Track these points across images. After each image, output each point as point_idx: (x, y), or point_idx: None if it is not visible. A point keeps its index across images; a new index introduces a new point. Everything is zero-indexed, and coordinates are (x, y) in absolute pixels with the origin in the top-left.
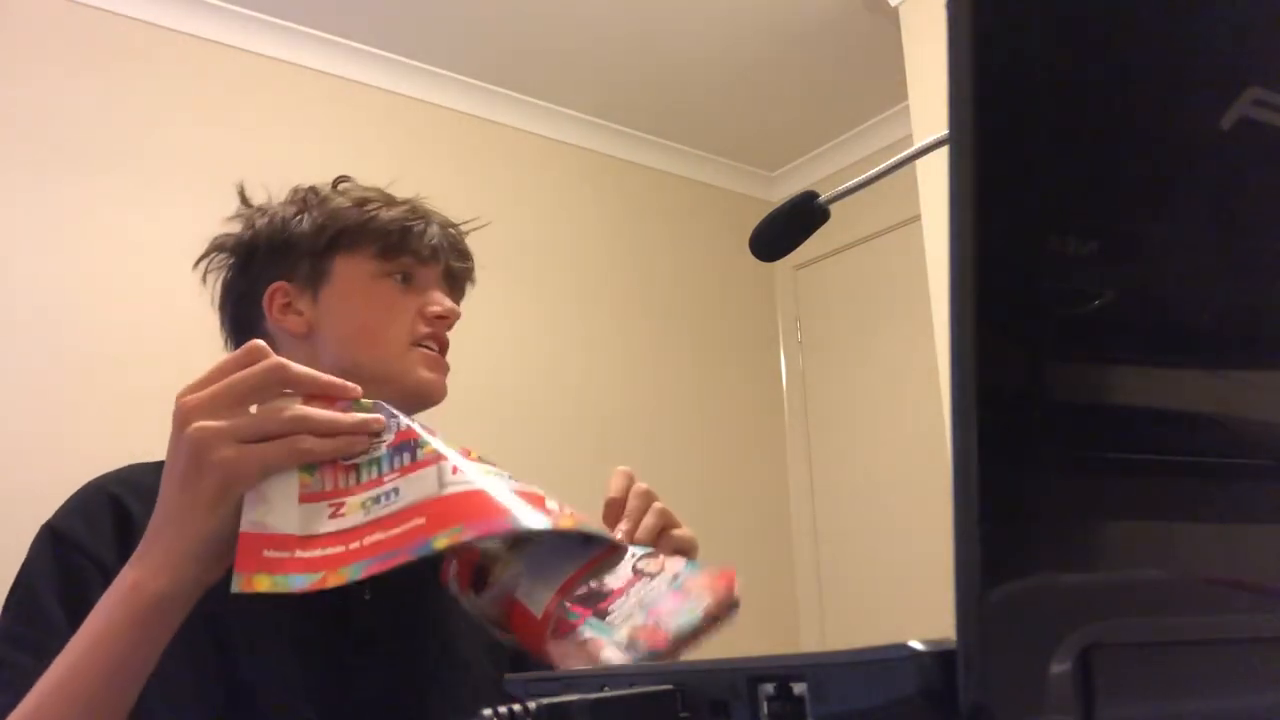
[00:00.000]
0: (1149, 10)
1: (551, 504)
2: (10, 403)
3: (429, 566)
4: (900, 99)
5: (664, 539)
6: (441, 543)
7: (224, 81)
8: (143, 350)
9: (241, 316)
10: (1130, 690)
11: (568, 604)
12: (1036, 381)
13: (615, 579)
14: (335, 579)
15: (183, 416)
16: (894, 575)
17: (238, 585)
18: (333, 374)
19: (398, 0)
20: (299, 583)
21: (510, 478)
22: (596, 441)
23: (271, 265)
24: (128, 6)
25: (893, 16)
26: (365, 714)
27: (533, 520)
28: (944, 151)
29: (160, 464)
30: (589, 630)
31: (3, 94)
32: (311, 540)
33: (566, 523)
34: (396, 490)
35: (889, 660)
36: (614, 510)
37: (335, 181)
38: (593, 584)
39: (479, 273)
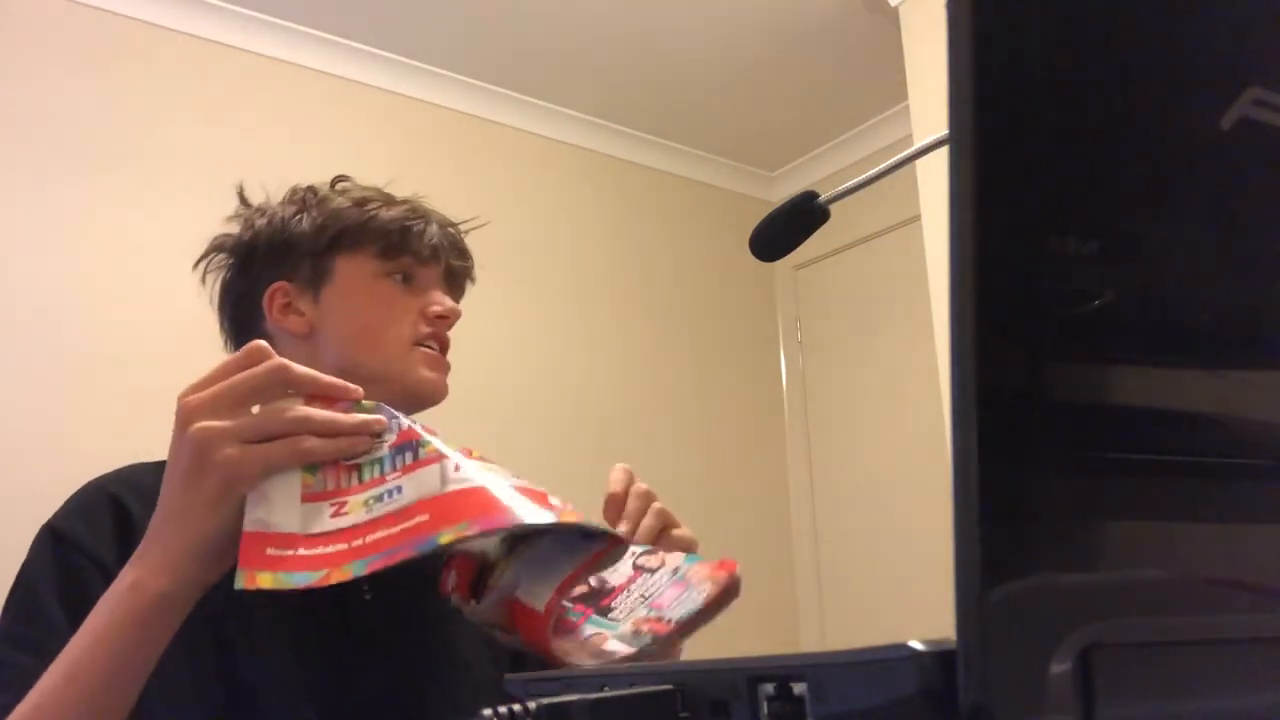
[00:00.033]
0: (1149, 10)
1: (555, 500)
2: (10, 403)
3: (429, 565)
4: (900, 99)
5: (664, 540)
6: (447, 538)
7: (224, 81)
8: (143, 350)
9: (241, 317)
10: (1130, 690)
11: (569, 603)
12: (1036, 381)
13: (616, 576)
14: (339, 575)
15: (185, 416)
16: (894, 575)
17: (241, 582)
18: (333, 374)
19: (398, 0)
20: (302, 580)
21: (513, 475)
22: (596, 441)
23: (271, 265)
24: (128, 6)
25: (893, 16)
26: (365, 714)
27: (537, 515)
28: (944, 151)
29: (160, 464)
30: (591, 627)
31: (3, 94)
32: (314, 538)
33: (570, 518)
34: (399, 488)
35: (889, 660)
36: (614, 506)
37: (334, 181)
38: (593, 582)
39: (479, 273)
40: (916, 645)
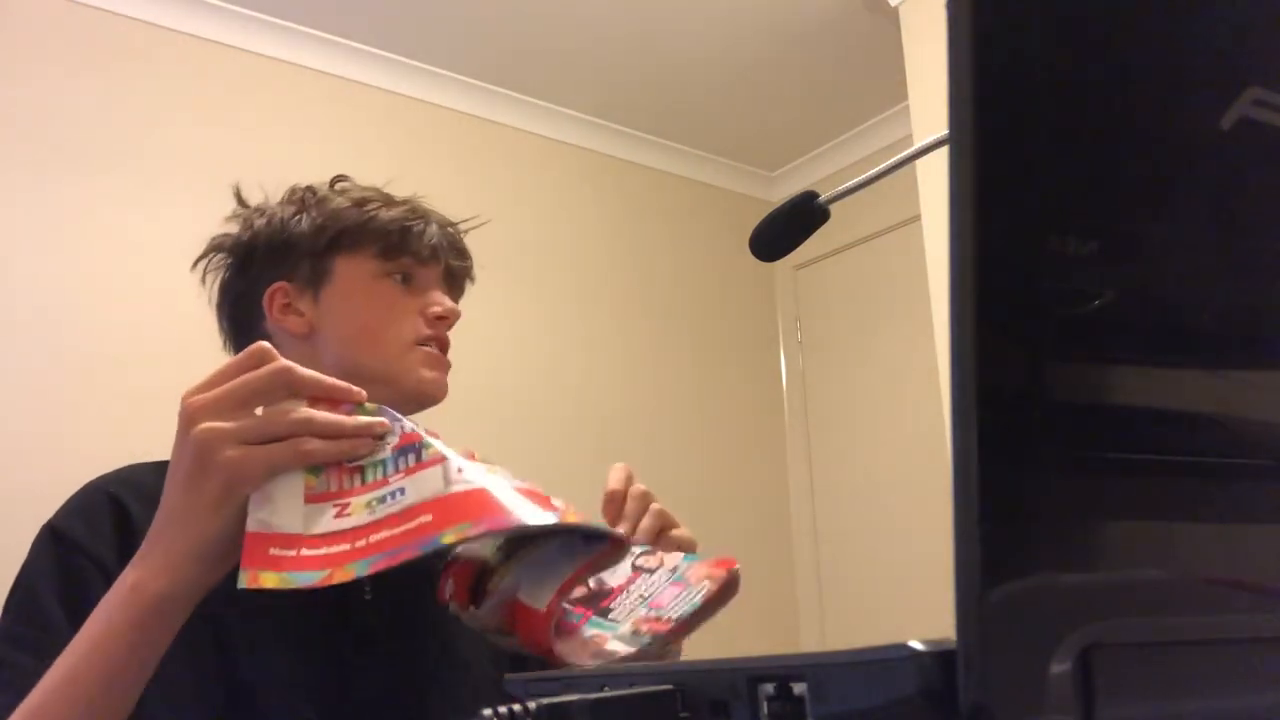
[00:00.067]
0: (1149, 10)
1: (557, 502)
2: (10, 403)
3: (429, 566)
4: (900, 99)
5: (663, 540)
6: (449, 538)
7: (224, 81)
8: (143, 350)
9: (240, 317)
10: (1130, 690)
11: (569, 605)
12: (1036, 381)
13: (615, 578)
14: (342, 575)
15: (188, 417)
16: (894, 575)
17: (244, 581)
18: (333, 374)
19: (398, 0)
20: (305, 579)
21: (515, 478)
22: (596, 441)
23: (271, 266)
24: (128, 6)
25: (893, 16)
26: (365, 713)
27: (539, 516)
28: (944, 151)
29: (160, 464)
30: (591, 628)
31: (3, 94)
32: (317, 538)
33: (572, 518)
34: (402, 490)
35: (889, 660)
36: (613, 505)
37: (333, 181)
38: (592, 584)
39: (479, 273)
40: (916, 645)
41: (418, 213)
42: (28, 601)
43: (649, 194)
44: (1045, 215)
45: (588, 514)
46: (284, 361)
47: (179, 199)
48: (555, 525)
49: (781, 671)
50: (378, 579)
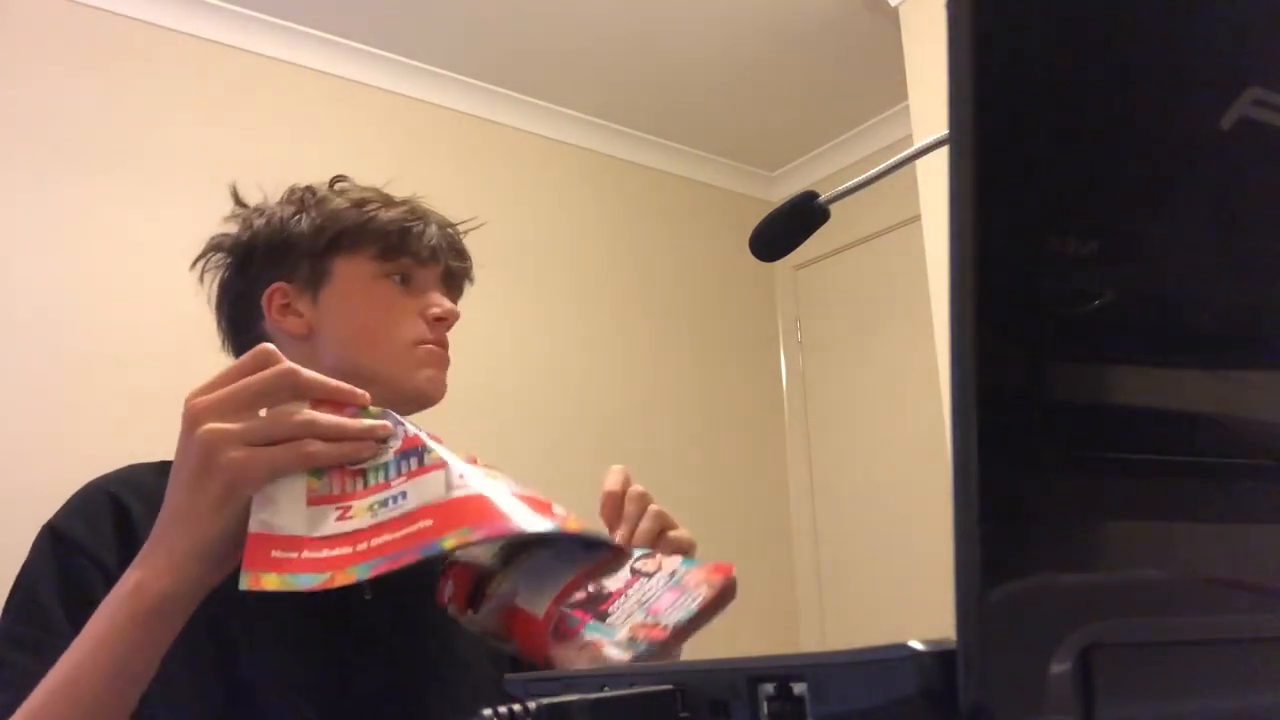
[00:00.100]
0: (1149, 10)
1: (558, 509)
2: (10, 403)
3: (430, 567)
4: (900, 99)
5: (661, 542)
6: (450, 543)
7: (224, 81)
8: (143, 350)
9: (239, 317)
10: (1130, 690)
11: (567, 609)
12: (1036, 381)
13: (614, 581)
14: (343, 579)
15: (192, 418)
16: (894, 575)
17: (245, 583)
18: (332, 375)
19: (398, 0)
20: (306, 582)
21: (517, 484)
22: (596, 441)
23: (270, 266)
24: (128, 6)
25: (893, 16)
26: (365, 713)
27: (539, 523)
28: (944, 151)
29: (160, 464)
30: (589, 633)
31: (3, 94)
32: (319, 541)
33: (573, 526)
34: (404, 494)
35: (889, 660)
36: (610, 506)
37: (332, 181)
38: (590, 587)
39: (479, 273)
40: (916, 645)
41: (417, 213)
42: (28, 601)
43: (649, 194)
44: (1045, 215)
45: (588, 519)
46: (288, 364)
47: (179, 199)
48: (555, 533)
49: (781, 671)
50: (378, 580)
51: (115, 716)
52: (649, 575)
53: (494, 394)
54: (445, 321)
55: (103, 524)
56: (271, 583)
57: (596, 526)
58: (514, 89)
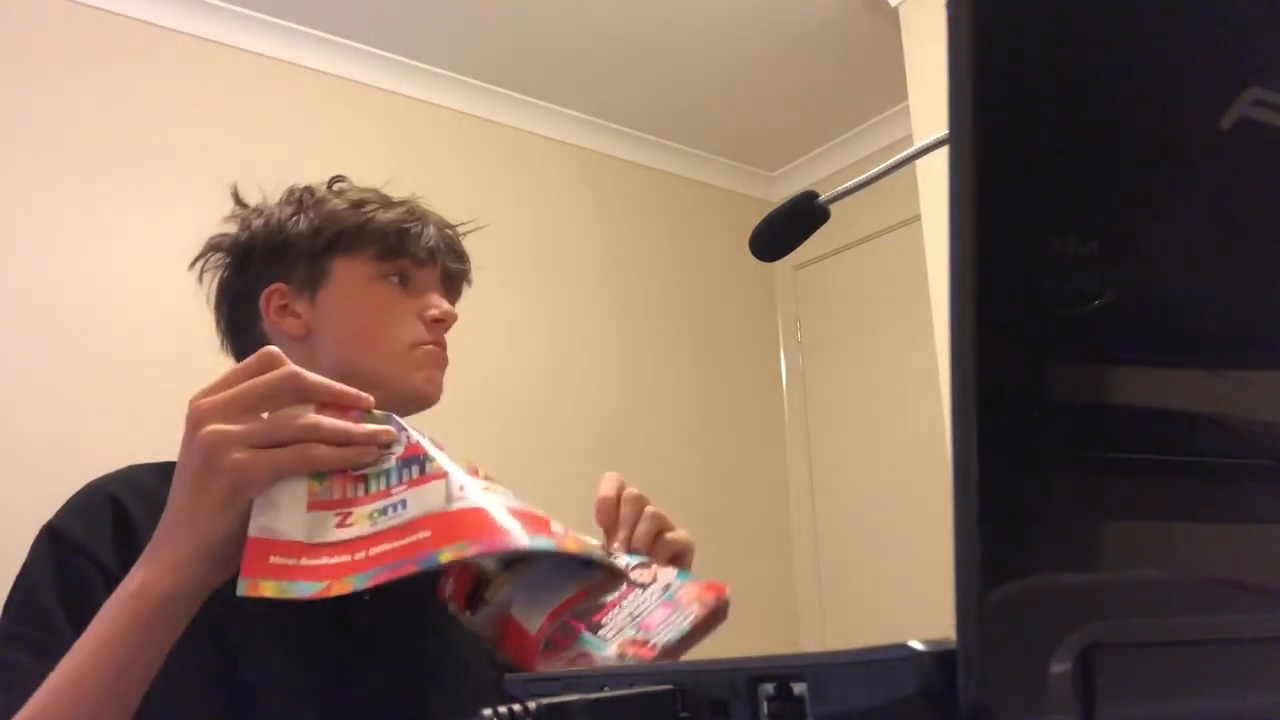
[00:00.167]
0: (1149, 10)
1: (556, 527)
2: (10, 403)
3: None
4: (900, 99)
5: (659, 544)
6: (447, 556)
7: (224, 81)
8: (143, 350)
9: (238, 317)
10: (1130, 690)
11: (562, 620)
12: (1036, 381)
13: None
14: (340, 588)
15: (196, 419)
16: (894, 575)
17: (243, 590)
18: (330, 376)
19: (398, 0)
20: (304, 590)
21: (515, 498)
22: (596, 441)
23: (268, 267)
24: (128, 6)
25: (893, 16)
26: (365, 714)
27: (537, 540)
28: (944, 151)
29: (161, 465)
30: (581, 645)
31: (3, 94)
32: (318, 548)
33: (571, 545)
34: (404, 502)
35: (889, 660)
36: (605, 511)
37: (331, 182)
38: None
39: (479, 273)
40: (916, 645)
41: (415, 214)
42: (28, 602)
43: (649, 194)
44: (1045, 215)
45: (589, 520)
46: (292, 366)
47: (179, 199)
48: (551, 552)
49: (781, 671)
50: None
51: (118, 717)
52: (644, 587)
53: (494, 394)
54: (443, 323)
55: (102, 525)
56: (269, 589)
57: (595, 538)
58: (514, 89)
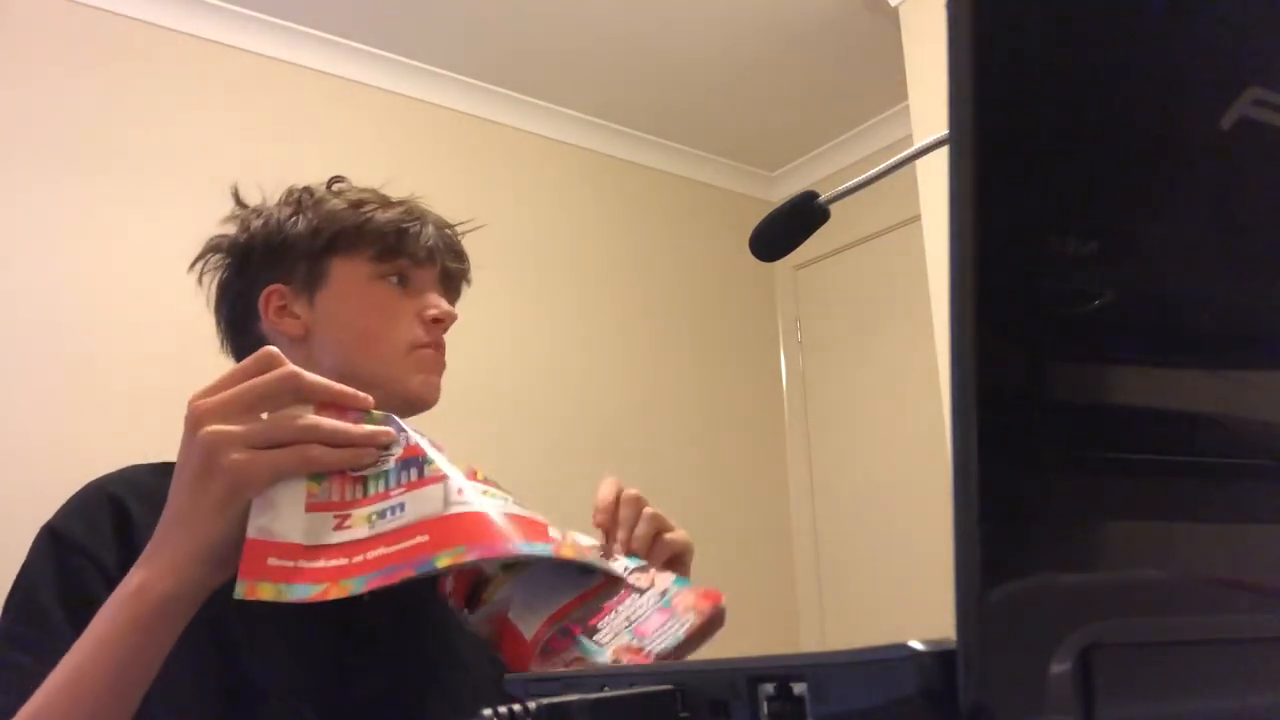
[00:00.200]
0: (1149, 10)
1: (554, 533)
2: (10, 403)
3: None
4: (900, 99)
5: (658, 544)
6: (444, 561)
7: (224, 81)
8: (143, 350)
9: (237, 318)
10: (1130, 690)
11: (559, 625)
12: (1036, 381)
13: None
14: (338, 591)
15: (195, 420)
16: (894, 575)
17: (241, 592)
18: (329, 377)
19: (398, 0)
20: (302, 593)
21: (514, 502)
22: (596, 441)
23: (267, 267)
24: (128, 6)
25: (893, 16)
26: (365, 714)
27: (534, 547)
28: (944, 151)
29: (160, 465)
30: (577, 650)
31: (3, 94)
32: (316, 551)
33: (568, 552)
34: (402, 505)
35: (889, 660)
36: (605, 512)
37: (330, 182)
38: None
39: (479, 273)
40: (916, 645)
41: (414, 214)
42: (27, 602)
43: (649, 194)
44: (1045, 215)
45: (587, 527)
46: (291, 367)
47: (179, 199)
48: (548, 558)
49: (781, 671)
50: None
51: (118, 717)
52: (641, 592)
53: (494, 394)
54: (442, 323)
55: (102, 524)
56: (266, 592)
57: (594, 541)
58: (514, 89)
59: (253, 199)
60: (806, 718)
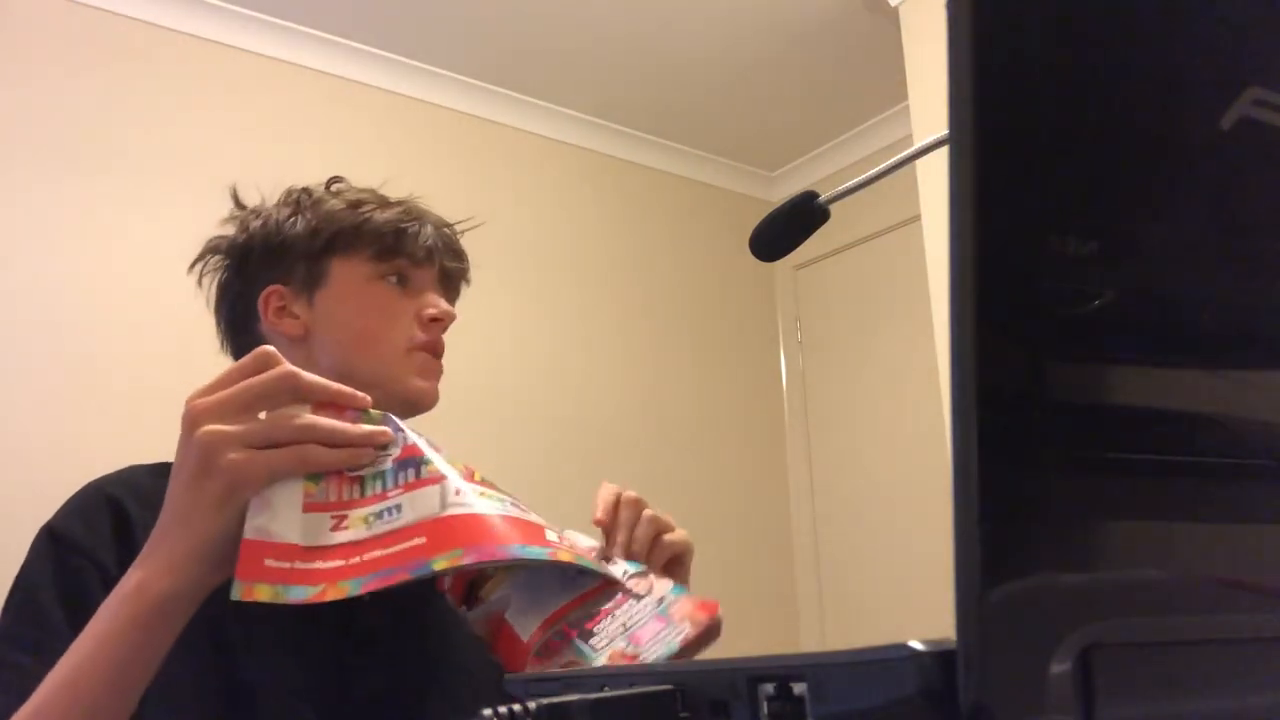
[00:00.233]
0: (1149, 10)
1: (551, 535)
2: (10, 403)
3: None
4: (900, 99)
5: (658, 545)
6: (441, 564)
7: (224, 81)
8: (143, 350)
9: (237, 319)
10: (1130, 690)
11: (555, 628)
12: (1036, 381)
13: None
14: (335, 593)
15: (192, 420)
16: (894, 575)
17: (238, 593)
18: (328, 377)
19: (398, 0)
20: (299, 594)
21: (512, 504)
22: (596, 441)
23: (266, 268)
24: (128, 6)
25: (893, 16)
26: (365, 714)
27: (531, 550)
28: (944, 151)
29: (159, 466)
30: (571, 653)
31: (3, 94)
32: (313, 552)
33: (564, 556)
34: (399, 507)
35: (889, 660)
36: (604, 513)
37: (328, 182)
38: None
39: (479, 273)
40: (916, 645)
41: (413, 214)
42: (27, 602)
43: (649, 194)
44: (1045, 215)
45: (586, 527)
46: (289, 366)
47: (179, 199)
48: (544, 562)
49: (781, 671)
50: None
51: (116, 717)
52: (638, 597)
53: (494, 394)
54: (441, 322)
55: (101, 525)
56: (263, 593)
57: (594, 541)
58: (514, 89)
59: (252, 199)
60: (806, 718)
